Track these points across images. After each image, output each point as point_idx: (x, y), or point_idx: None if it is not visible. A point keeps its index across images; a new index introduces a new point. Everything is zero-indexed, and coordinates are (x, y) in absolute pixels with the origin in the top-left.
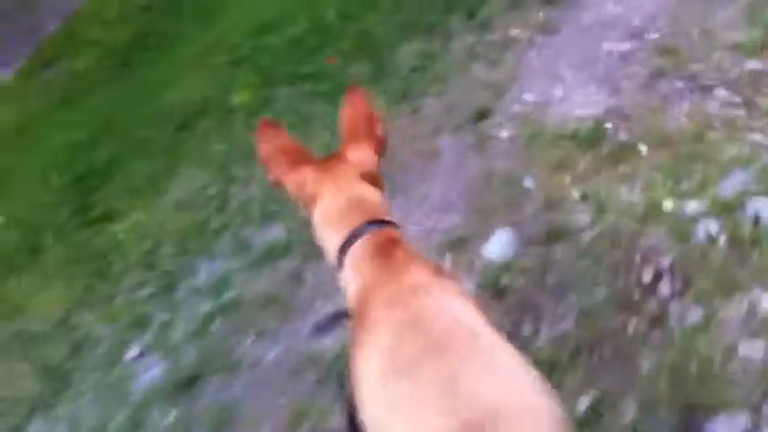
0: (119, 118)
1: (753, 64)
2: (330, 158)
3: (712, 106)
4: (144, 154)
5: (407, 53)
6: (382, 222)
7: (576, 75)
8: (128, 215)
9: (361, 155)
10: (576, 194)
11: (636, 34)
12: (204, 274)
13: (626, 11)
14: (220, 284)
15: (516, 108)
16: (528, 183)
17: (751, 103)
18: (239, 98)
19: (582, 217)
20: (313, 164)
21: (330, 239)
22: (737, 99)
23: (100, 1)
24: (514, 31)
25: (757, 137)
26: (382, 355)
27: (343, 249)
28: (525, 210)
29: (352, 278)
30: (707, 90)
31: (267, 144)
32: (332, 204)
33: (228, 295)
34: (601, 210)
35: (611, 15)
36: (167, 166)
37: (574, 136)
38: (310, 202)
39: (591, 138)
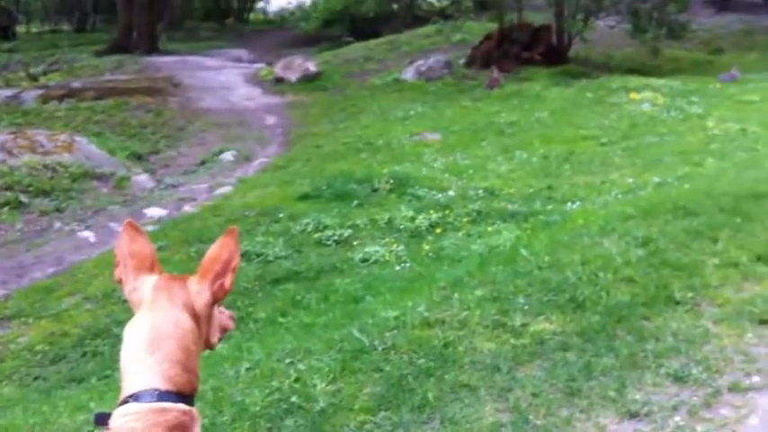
0: None
1: None
2: (173, 278)
3: None
4: None
5: None
6: (177, 395)
7: None
8: None
9: (200, 289)
10: None
11: None
12: None
13: None
14: None
15: None
16: None
17: None
18: None
19: None
20: (157, 273)
21: (124, 379)
22: None
23: None
24: None
25: None
26: None
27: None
28: None
29: None
30: None
31: (123, 245)
32: (141, 327)
33: None
34: None
35: None
36: None
37: None
38: (136, 306)
39: None
